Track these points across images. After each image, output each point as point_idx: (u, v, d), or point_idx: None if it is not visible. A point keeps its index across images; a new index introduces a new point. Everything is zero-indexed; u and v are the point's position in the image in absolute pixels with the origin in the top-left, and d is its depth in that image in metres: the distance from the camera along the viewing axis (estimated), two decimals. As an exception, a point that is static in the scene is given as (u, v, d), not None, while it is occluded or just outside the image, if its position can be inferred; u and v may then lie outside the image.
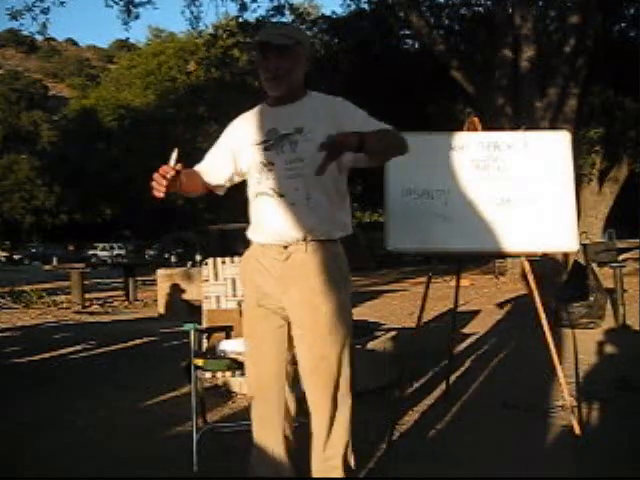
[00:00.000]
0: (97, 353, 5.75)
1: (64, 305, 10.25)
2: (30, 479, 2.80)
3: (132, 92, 41.84)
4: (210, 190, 2.33)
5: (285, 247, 2.15)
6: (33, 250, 42.21)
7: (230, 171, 2.27)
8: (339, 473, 2.18)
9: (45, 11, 14.37)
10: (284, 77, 2.14)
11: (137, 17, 15.20)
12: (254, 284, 2.22)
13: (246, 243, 2.30)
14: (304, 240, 2.13)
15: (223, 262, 3.29)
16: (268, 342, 2.21)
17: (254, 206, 2.22)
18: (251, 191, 2.22)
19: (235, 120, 2.33)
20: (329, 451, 2.18)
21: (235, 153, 2.24)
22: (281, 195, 2.14)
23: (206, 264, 3.31)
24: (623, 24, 15.79)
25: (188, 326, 2.94)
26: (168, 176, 1.96)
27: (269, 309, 2.19)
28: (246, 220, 2.28)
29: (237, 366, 2.78)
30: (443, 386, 3.77)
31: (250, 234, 2.26)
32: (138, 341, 6.25)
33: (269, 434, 2.22)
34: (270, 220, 2.17)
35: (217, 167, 2.27)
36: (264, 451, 2.22)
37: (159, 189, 1.98)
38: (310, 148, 2.07)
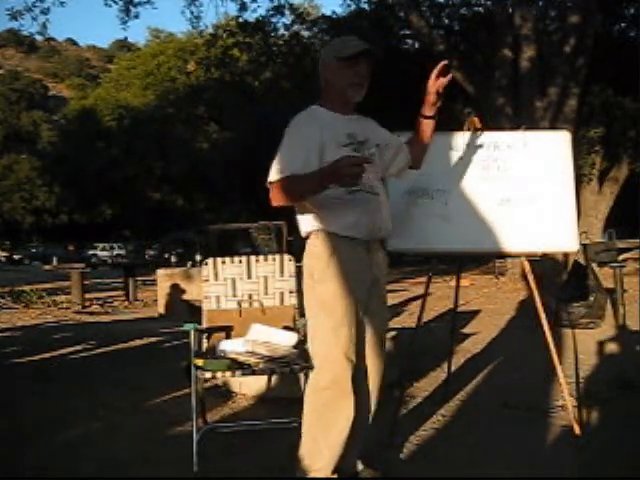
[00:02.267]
0: (97, 353, 5.74)
1: (64, 305, 10.24)
2: (30, 479, 2.80)
3: (131, 92, 41.80)
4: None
5: (367, 241, 2.32)
6: (33, 250, 42.24)
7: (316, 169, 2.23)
8: None
9: (45, 11, 14.37)
10: (366, 84, 2.31)
11: (136, 17, 15.19)
12: (350, 274, 2.27)
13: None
14: (381, 238, 2.42)
15: (223, 262, 3.28)
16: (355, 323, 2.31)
17: (345, 202, 2.26)
18: (340, 188, 2.22)
19: (306, 120, 2.31)
20: None
21: (321, 151, 2.26)
22: (375, 194, 2.33)
23: (206, 264, 3.30)
24: (623, 24, 15.79)
25: (188, 326, 2.94)
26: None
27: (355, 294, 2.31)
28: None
29: (237, 366, 2.77)
30: (443, 386, 3.77)
31: (335, 228, 2.27)
32: (138, 341, 6.24)
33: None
34: (371, 217, 2.31)
35: (313, 167, 2.22)
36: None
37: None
38: (376, 156, 2.38)
